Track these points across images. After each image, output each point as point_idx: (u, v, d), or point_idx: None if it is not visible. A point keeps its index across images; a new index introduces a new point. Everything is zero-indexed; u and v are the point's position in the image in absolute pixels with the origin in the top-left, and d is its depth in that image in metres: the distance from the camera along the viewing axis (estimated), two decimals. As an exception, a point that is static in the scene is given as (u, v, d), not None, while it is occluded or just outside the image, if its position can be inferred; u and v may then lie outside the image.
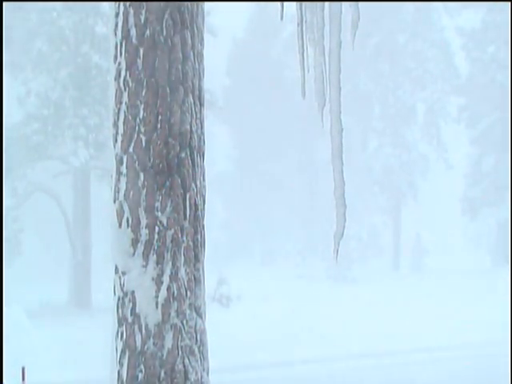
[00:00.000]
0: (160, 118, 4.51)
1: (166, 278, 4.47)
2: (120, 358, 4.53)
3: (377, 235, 44.28)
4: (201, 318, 4.59)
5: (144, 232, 4.49)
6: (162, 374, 4.44)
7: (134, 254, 4.50)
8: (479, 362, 17.99)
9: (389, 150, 41.13)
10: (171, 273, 4.47)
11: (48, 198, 27.85)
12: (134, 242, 4.49)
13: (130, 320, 4.49)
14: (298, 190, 45.38)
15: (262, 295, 28.63)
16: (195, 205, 4.59)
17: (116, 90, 4.61)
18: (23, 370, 7.65)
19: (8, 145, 25.24)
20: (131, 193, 4.51)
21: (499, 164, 37.71)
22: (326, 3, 4.46)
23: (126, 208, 4.51)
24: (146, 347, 4.44)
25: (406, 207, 42.94)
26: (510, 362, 16.07)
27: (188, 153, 4.56)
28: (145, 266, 4.48)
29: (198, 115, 4.66)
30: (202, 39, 4.75)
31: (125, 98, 4.56)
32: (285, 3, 4.56)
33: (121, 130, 4.57)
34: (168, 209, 4.49)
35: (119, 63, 4.59)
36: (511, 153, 35.82)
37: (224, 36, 33.06)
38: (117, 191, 4.58)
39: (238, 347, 19.73)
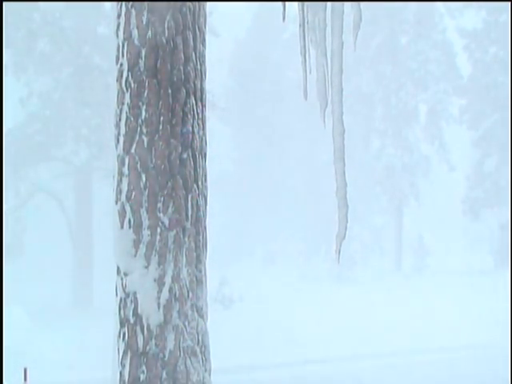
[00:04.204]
0: (162, 118, 4.51)
1: (167, 279, 4.47)
2: (122, 359, 4.54)
3: (379, 236, 44.24)
4: (203, 318, 4.59)
5: (146, 233, 4.49)
6: (164, 375, 4.44)
7: (135, 254, 4.50)
8: (479, 363, 17.98)
9: (391, 150, 41.09)
10: (173, 274, 4.47)
11: (50, 198, 27.87)
12: (136, 243, 4.50)
13: (131, 321, 4.49)
14: (300, 191, 45.37)
15: (264, 296, 28.62)
16: (197, 206, 4.59)
17: (118, 91, 4.62)
18: (25, 370, 7.65)
19: (10, 145, 25.27)
20: (133, 194, 4.51)
21: (501, 165, 37.69)
22: (328, 4, 4.46)
23: (127, 209, 4.52)
24: (147, 348, 4.45)
25: (407, 208, 42.90)
26: (510, 364, 16.06)
27: (190, 154, 4.56)
28: (147, 267, 4.48)
29: (200, 116, 4.66)
30: (204, 40, 4.75)
31: (127, 99, 4.56)
32: (287, 4, 4.56)
33: (123, 131, 4.58)
34: (170, 210, 4.49)
35: (121, 64, 4.60)
36: (513, 154, 35.80)
37: (226, 37, 33.05)
38: (119, 192, 4.58)
39: (240, 348, 19.72)
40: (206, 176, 4.70)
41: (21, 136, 25.81)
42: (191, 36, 4.60)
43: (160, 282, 4.46)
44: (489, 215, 39.69)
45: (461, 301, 26.81)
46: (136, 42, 4.54)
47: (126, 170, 4.54)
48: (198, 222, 4.60)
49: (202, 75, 4.69)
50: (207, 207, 4.72)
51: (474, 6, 38.79)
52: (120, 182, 4.57)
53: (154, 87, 4.51)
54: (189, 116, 4.56)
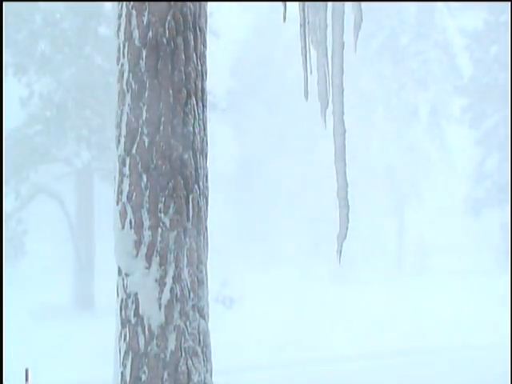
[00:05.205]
0: (163, 119, 4.51)
1: (169, 280, 4.47)
2: (123, 360, 4.54)
3: (380, 236, 44.22)
4: (204, 319, 4.59)
5: (147, 233, 4.49)
6: (165, 376, 4.44)
7: (137, 255, 4.50)
8: (480, 363, 17.96)
9: (392, 150, 41.13)
10: (174, 274, 4.47)
11: (51, 199, 27.84)
12: (137, 244, 4.50)
13: (133, 321, 4.49)
14: (302, 191, 45.35)
15: (265, 296, 28.61)
16: (198, 206, 4.59)
17: (119, 92, 4.62)
18: (27, 371, 7.65)
19: (11, 147, 25.27)
20: (134, 194, 4.51)
21: (502, 164, 37.68)
22: (329, 4, 4.46)
23: (128, 209, 4.52)
24: (149, 349, 4.45)
25: (409, 208, 42.92)
26: (510, 364, 16.04)
27: (191, 154, 4.56)
28: (148, 268, 4.48)
29: (201, 116, 4.66)
30: (205, 40, 4.75)
31: (128, 100, 4.56)
32: (288, 4, 4.55)
33: (124, 132, 4.58)
34: (171, 210, 4.49)
35: (122, 65, 4.60)
36: (513, 153, 35.81)
37: (227, 37, 33.04)
38: (119, 193, 4.58)
39: (241, 348, 19.71)
40: (207, 176, 4.70)
41: (21, 137, 25.80)
42: (192, 36, 4.60)
43: (161, 282, 4.47)
44: (490, 215, 39.69)
45: (462, 300, 26.81)
46: (137, 42, 4.54)
47: (126, 170, 4.54)
48: (199, 222, 4.60)
49: (202, 76, 4.69)
50: (208, 207, 4.72)
51: (474, 6, 38.78)
52: (121, 182, 4.57)
53: (155, 88, 4.51)
54: (190, 116, 4.57)
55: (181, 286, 4.48)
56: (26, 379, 7.48)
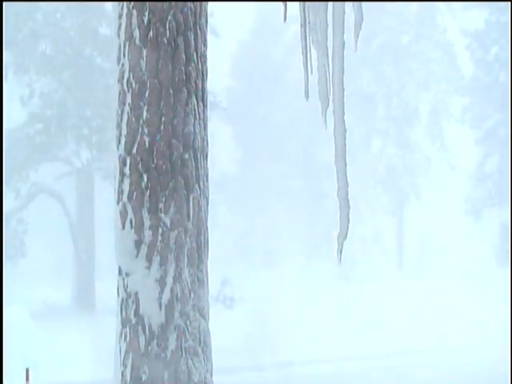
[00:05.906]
0: (163, 119, 4.51)
1: (169, 280, 4.47)
2: (124, 360, 4.54)
3: (380, 235, 44.22)
4: (204, 319, 4.59)
5: (147, 233, 4.49)
6: (166, 376, 4.44)
7: (137, 255, 4.50)
8: (480, 363, 17.97)
9: (392, 150, 41.13)
10: (175, 274, 4.47)
11: (51, 199, 27.85)
12: (138, 244, 4.49)
13: (133, 321, 4.49)
14: (302, 191, 45.35)
15: (266, 296, 28.59)
16: (198, 206, 4.59)
17: (119, 92, 4.62)
18: (27, 371, 7.67)
19: (11, 146, 25.29)
20: (134, 194, 4.51)
21: (503, 164, 37.67)
22: (330, 4, 4.46)
23: (129, 209, 4.52)
24: (149, 348, 4.45)
25: (409, 207, 42.92)
26: (510, 364, 16.05)
27: (191, 154, 4.56)
28: (148, 268, 4.48)
29: (202, 116, 4.66)
30: (205, 40, 4.75)
31: (128, 100, 4.56)
32: (288, 4, 4.55)
33: (124, 132, 4.58)
34: (171, 210, 4.49)
35: (122, 64, 4.60)
36: (512, 153, 35.80)
37: (227, 37, 33.06)
38: (120, 192, 4.58)
39: (242, 348, 19.72)
40: (207, 176, 4.70)
41: (22, 136, 25.82)
42: (192, 36, 4.60)
43: (162, 282, 4.47)
44: (490, 215, 39.69)
45: (461, 300, 26.82)
46: (137, 42, 4.54)
47: (127, 170, 4.54)
48: (200, 222, 4.60)
49: (203, 75, 4.69)
50: (208, 207, 4.72)
51: (475, 6, 38.79)
52: (121, 182, 4.57)
53: (156, 87, 4.51)
54: (190, 116, 4.56)
55: (181, 285, 4.48)
56: (26, 379, 7.49)
